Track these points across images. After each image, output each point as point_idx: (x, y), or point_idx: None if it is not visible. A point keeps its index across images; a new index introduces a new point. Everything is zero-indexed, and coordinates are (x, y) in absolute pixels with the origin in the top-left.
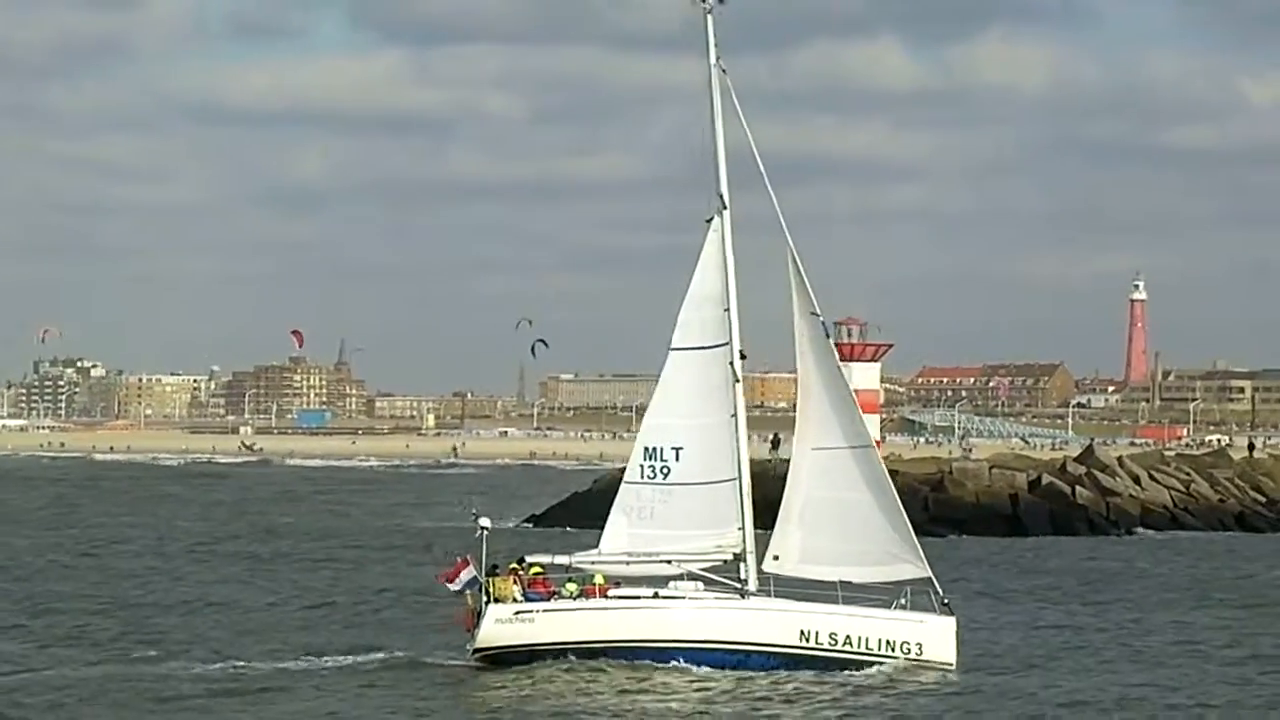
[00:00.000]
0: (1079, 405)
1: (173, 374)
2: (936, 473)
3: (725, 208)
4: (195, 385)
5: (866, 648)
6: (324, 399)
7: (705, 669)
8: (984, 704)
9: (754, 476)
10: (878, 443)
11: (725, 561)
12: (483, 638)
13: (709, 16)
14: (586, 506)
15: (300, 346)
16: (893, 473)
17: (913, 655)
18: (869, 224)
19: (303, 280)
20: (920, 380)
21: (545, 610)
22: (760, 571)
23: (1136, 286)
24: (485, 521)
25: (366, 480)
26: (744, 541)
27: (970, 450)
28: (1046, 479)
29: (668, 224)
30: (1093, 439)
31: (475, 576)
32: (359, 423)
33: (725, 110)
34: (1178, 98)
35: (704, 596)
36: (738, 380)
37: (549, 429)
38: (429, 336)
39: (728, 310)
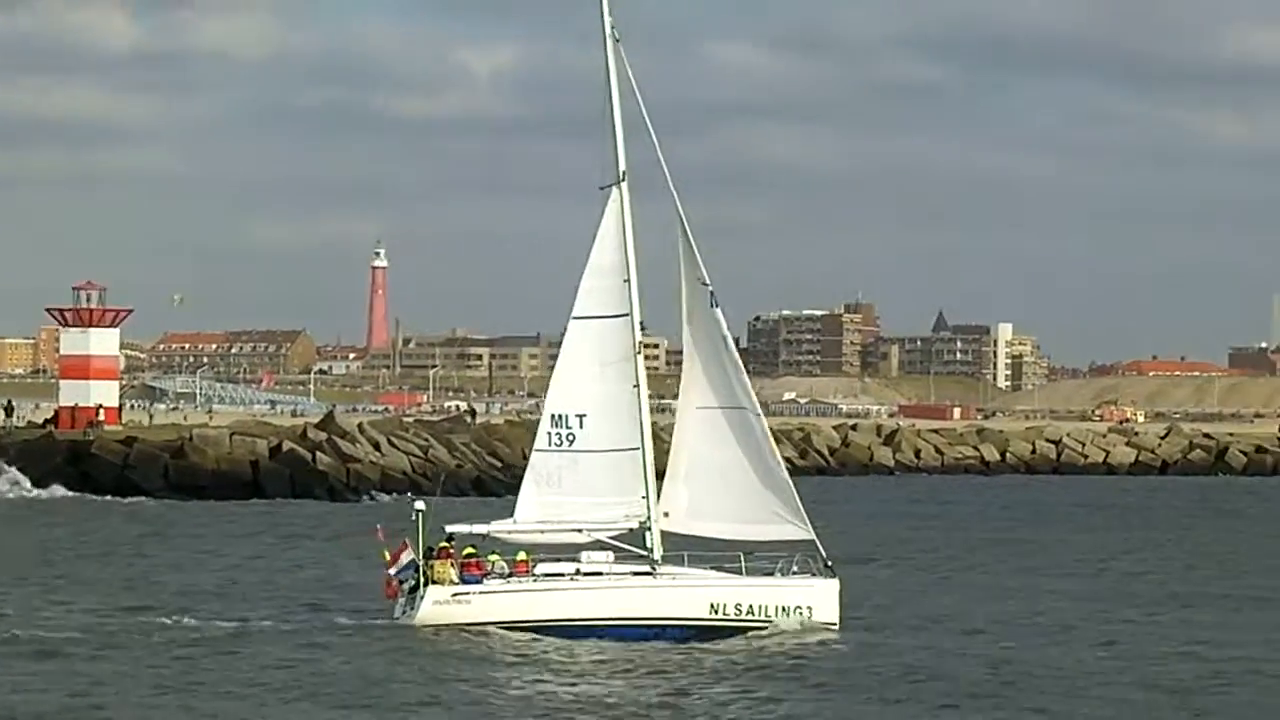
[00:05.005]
0: (321, 372)
1: None
2: (177, 439)
3: (623, 179)
4: None
5: (766, 615)
6: None
7: (626, 642)
8: None
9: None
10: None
11: (633, 530)
12: (421, 618)
13: None
14: None
15: None
16: (131, 439)
17: (804, 618)
18: (89, 189)
19: None
20: (162, 347)
21: (481, 593)
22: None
23: (378, 254)
24: (420, 505)
25: None
26: (648, 510)
27: (153, 414)
28: (288, 445)
29: None
30: (334, 405)
31: (414, 559)
32: None
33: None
34: (398, 68)
35: (624, 574)
36: (638, 352)
37: None
38: None
39: (627, 281)
